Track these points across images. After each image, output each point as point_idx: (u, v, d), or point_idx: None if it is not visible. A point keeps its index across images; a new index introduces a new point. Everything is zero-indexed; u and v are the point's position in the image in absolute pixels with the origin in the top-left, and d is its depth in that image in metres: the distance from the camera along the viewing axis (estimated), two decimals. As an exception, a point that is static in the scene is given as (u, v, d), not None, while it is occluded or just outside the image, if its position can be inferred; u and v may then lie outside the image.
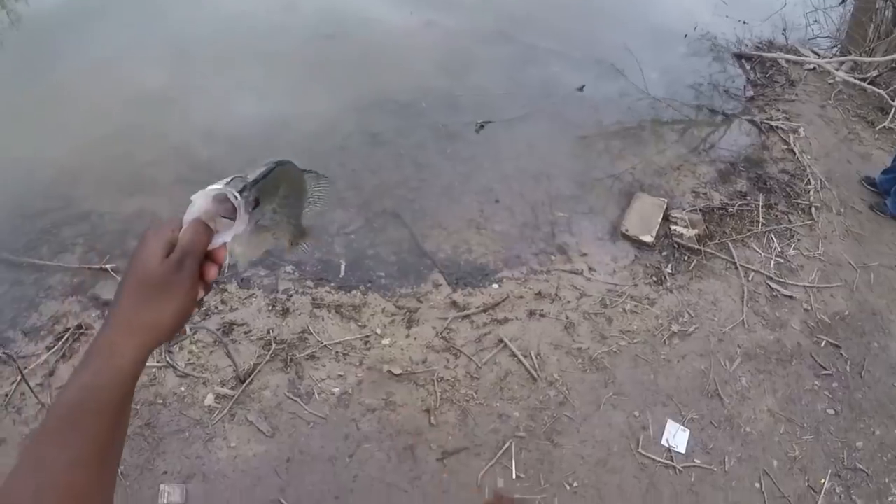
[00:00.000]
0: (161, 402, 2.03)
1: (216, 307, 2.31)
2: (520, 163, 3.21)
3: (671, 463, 2.18)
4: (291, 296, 2.39)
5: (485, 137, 3.38)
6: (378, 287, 2.51)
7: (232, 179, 0.46)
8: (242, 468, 1.92)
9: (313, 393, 2.13)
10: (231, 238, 0.46)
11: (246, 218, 0.47)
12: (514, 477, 2.11)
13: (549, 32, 4.32)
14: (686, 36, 4.45)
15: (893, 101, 3.69)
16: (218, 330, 2.23)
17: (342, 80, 3.58)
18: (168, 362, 2.12)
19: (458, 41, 4.10)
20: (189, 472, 1.87)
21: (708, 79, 4.09)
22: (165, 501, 1.81)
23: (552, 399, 2.29)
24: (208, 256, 0.46)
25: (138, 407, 2.00)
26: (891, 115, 3.71)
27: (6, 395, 2.00)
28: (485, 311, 2.46)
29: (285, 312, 2.33)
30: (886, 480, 2.34)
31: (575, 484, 2.13)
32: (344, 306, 2.38)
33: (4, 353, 2.08)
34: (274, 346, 2.20)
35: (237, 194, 0.45)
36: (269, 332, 2.25)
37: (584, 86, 3.78)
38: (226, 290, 2.36)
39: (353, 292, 2.46)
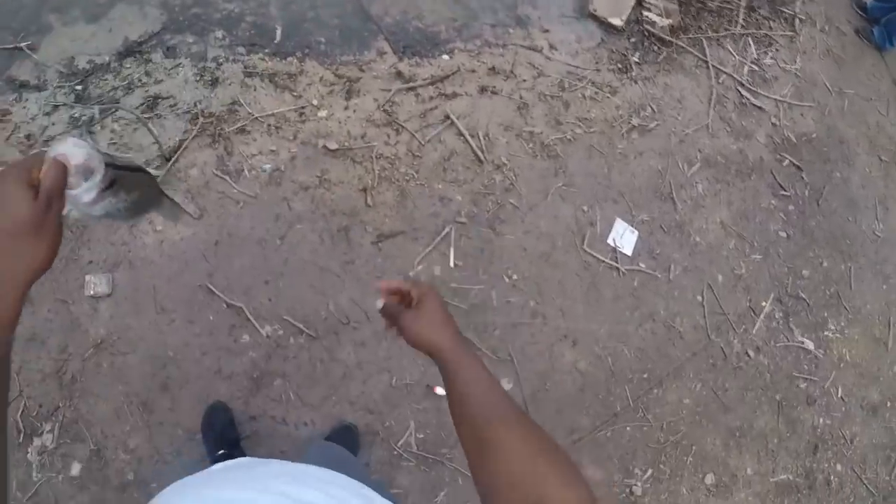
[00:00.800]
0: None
1: (139, 80, 2.60)
2: None
3: (615, 264, 2.85)
4: (221, 64, 2.70)
5: None
6: (317, 54, 2.81)
7: (94, 149, 0.66)
8: (169, 253, 2.30)
9: (243, 170, 2.50)
10: (74, 197, 0.65)
11: (95, 190, 0.66)
12: (451, 265, 2.61)
13: None
14: None
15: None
16: (141, 105, 2.52)
17: None
18: (88, 143, 2.26)
19: None
20: (115, 260, 2.26)
21: None
22: (91, 292, 2.19)
23: (498, 184, 2.81)
24: None
25: None
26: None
27: None
28: (432, 83, 2.86)
29: (214, 82, 2.65)
30: (825, 314, 3.29)
31: (515, 277, 2.70)
32: (278, 75, 2.71)
33: None
34: (202, 119, 2.54)
35: (101, 161, 0.65)
36: (196, 104, 2.58)
37: None
38: (150, 61, 2.65)
39: (289, 59, 2.78)
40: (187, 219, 2.39)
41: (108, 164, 0.67)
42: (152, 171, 2.37)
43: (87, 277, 2.25)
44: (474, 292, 2.58)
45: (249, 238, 2.42)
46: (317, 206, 2.52)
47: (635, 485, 2.59)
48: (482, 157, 2.74)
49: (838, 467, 2.97)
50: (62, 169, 0.61)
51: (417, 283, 0.92)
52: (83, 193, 0.65)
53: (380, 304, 0.92)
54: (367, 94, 2.77)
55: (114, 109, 2.55)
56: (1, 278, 0.58)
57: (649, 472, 2.62)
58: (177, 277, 2.32)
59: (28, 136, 2.52)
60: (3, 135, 2.49)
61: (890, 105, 3.89)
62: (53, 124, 2.52)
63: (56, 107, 2.57)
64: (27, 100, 2.61)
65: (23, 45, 2.73)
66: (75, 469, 2.07)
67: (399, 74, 2.83)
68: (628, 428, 2.63)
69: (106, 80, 2.67)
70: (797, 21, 3.74)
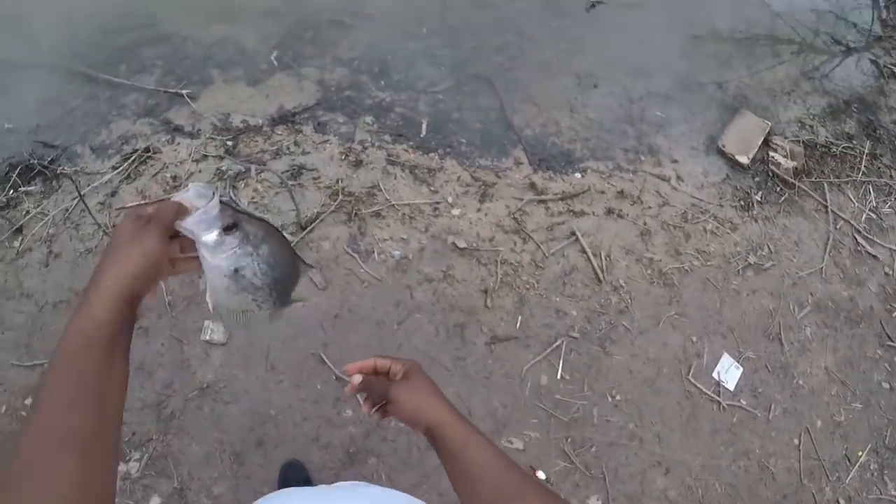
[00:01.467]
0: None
1: (288, 147, 2.88)
2: (625, 51, 3.83)
3: (717, 398, 2.94)
4: (367, 148, 2.99)
5: (594, 18, 4.00)
6: (457, 154, 3.10)
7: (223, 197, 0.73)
8: (288, 316, 2.41)
9: (373, 252, 2.72)
10: (193, 227, 0.72)
11: (214, 229, 0.72)
12: (558, 377, 2.77)
13: None
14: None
15: None
16: (286, 172, 2.78)
17: None
18: (231, 197, 2.55)
19: None
20: None
21: (837, 8, 4.90)
22: (207, 338, 2.36)
23: (613, 305, 2.96)
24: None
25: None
26: None
27: (66, 210, 2.61)
28: (563, 199, 3.07)
29: (358, 164, 2.92)
30: None
31: (618, 397, 2.83)
32: (419, 168, 2.98)
33: (63, 170, 2.69)
34: (341, 196, 2.79)
35: (217, 194, 0.71)
36: (338, 181, 2.84)
37: None
38: (300, 132, 2.94)
39: (431, 155, 3.07)
40: (312, 287, 2.57)
41: (226, 202, 0.74)
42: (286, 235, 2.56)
43: (206, 322, 2.43)
44: (576, 406, 2.71)
45: (369, 318, 2.58)
46: (437, 299, 2.70)
47: None
48: (601, 277, 2.89)
49: None
50: (171, 205, 0.72)
51: (398, 358, 0.91)
52: (201, 224, 0.71)
53: (357, 378, 0.88)
54: (500, 200, 2.98)
55: (261, 170, 2.76)
56: (102, 276, 0.68)
57: None
58: (292, 341, 2.49)
59: (174, 178, 2.75)
60: (151, 171, 2.74)
61: None
62: (200, 171, 2.77)
63: (205, 156, 2.82)
64: (179, 144, 2.84)
65: (184, 91, 3.00)
66: (154, 502, 2.20)
67: (532, 186, 3.03)
68: None
69: (256, 141, 2.91)
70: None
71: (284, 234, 0.83)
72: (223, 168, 2.81)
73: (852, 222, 3.52)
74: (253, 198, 2.72)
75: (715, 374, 2.96)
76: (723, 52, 4.06)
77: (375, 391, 0.88)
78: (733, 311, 3.08)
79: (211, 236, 0.74)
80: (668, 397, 2.86)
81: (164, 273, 0.75)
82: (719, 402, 2.89)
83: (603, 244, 3.00)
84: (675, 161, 3.34)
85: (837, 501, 3.00)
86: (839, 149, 3.68)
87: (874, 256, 3.48)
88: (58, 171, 2.79)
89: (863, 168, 3.68)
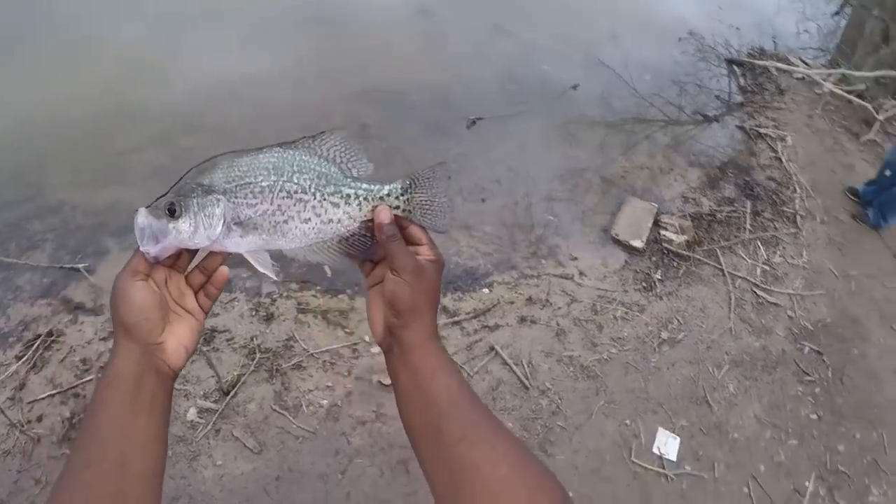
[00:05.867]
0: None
1: None
2: (511, 162, 4.27)
3: (663, 470, 3.14)
4: (276, 300, 3.11)
5: (476, 134, 4.46)
6: (364, 291, 3.32)
7: (147, 218, 0.74)
8: (230, 487, 2.41)
9: (301, 405, 2.79)
10: (150, 248, 0.73)
11: (166, 228, 0.74)
12: None
13: (545, 28, 5.53)
14: (680, 39, 5.85)
15: (878, 114, 5.17)
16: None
17: (331, 68, 4.63)
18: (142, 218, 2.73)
19: (452, 32, 5.21)
20: (174, 493, 2.34)
21: (698, 81, 5.44)
22: None
23: (544, 408, 3.18)
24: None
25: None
26: (874, 129, 5.21)
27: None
28: (475, 316, 3.36)
29: (269, 318, 3.02)
30: (867, 481, 3.48)
31: (571, 494, 3.00)
32: (330, 311, 3.14)
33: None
34: (258, 354, 2.85)
35: (137, 213, 0.74)
36: (252, 339, 2.90)
37: (577, 84, 4.93)
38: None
39: (340, 296, 3.25)
40: (247, 453, 2.50)
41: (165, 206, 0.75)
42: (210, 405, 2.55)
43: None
44: None
45: (310, 473, 2.55)
46: (375, 440, 2.78)
47: None
48: (527, 384, 3.13)
49: None
50: (134, 258, 0.75)
51: (435, 246, 0.82)
52: (150, 239, 0.73)
53: (387, 215, 0.80)
54: None
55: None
56: (118, 331, 0.73)
57: None
58: (239, 514, 2.59)
59: (83, 361, 2.63)
60: (58, 356, 2.60)
61: (893, 277, 4.16)
62: (110, 350, 2.79)
63: (113, 332, 2.90)
64: (83, 323, 2.71)
65: (80, 266, 2.81)
66: None
67: (444, 309, 3.33)
68: None
69: None
70: (798, 218, 4.21)
71: (225, 152, 0.80)
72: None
73: (749, 278, 3.85)
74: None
75: (655, 450, 3.17)
76: (605, 146, 4.47)
77: (392, 242, 0.78)
78: (658, 387, 3.32)
79: (174, 233, 0.74)
80: (617, 483, 3.05)
81: (165, 310, 0.76)
82: (666, 475, 3.12)
83: (522, 352, 3.25)
84: (575, 258, 3.66)
85: None
86: (723, 214, 4.06)
87: (775, 304, 3.79)
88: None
89: (748, 227, 4.06)
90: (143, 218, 0.73)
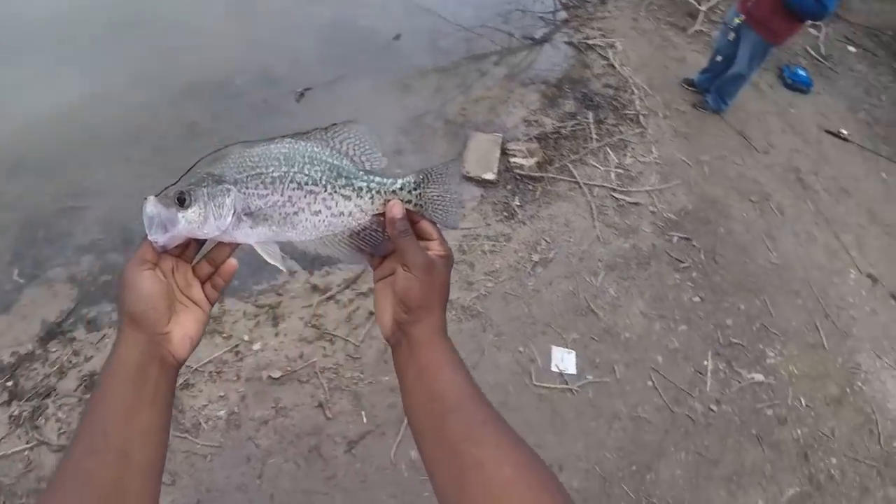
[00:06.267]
0: (44, 485, 2.72)
1: (69, 361, 3.06)
2: None
3: (566, 386, 3.60)
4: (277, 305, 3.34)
5: (307, 107, 4.74)
6: (233, 291, 3.54)
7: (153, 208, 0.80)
8: None
9: (199, 423, 2.97)
10: (158, 236, 0.80)
11: (175, 217, 0.80)
12: None
13: None
14: None
15: (700, 5, 6.04)
16: (79, 387, 2.97)
17: (147, 74, 4.68)
18: (38, 439, 2.81)
19: (263, 6, 5.49)
20: None
21: (520, 6, 6.06)
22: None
23: (435, 357, 3.55)
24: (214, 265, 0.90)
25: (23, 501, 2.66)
26: (699, 20, 6.08)
27: None
28: (347, 286, 3.65)
29: (276, 321, 3.26)
30: (760, 346, 4.14)
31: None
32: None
33: None
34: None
35: (147, 200, 0.79)
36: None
37: (399, 34, 5.36)
38: (74, 339, 3.14)
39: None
40: (162, 488, 2.78)
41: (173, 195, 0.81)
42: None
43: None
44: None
45: (228, 487, 2.78)
46: (281, 435, 3.03)
47: None
48: None
49: (833, 460, 3.76)
50: (142, 247, 0.81)
51: (445, 241, 0.89)
52: (159, 227, 0.79)
53: (400, 210, 0.86)
54: (292, 315, 3.51)
55: (56, 398, 2.92)
56: (123, 320, 0.80)
57: None
58: (167, 551, 2.72)
59: None
60: None
61: (742, 154, 4.94)
62: (115, 340, 2.89)
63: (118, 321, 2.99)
64: None
65: None
66: None
67: (315, 287, 3.59)
68: None
69: (35, 369, 3.00)
70: (641, 118, 4.87)
71: (235, 143, 0.88)
72: (15, 413, 2.88)
73: (605, 185, 4.44)
74: (60, 429, 2.89)
75: (554, 368, 3.61)
76: (439, 88, 4.93)
77: (404, 237, 0.85)
78: (542, 308, 3.78)
79: (183, 223, 0.80)
80: (525, 409, 3.45)
81: (171, 300, 0.83)
82: (570, 389, 3.55)
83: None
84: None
85: (710, 409, 3.74)
86: (568, 129, 4.63)
87: (636, 203, 4.40)
88: None
89: (594, 136, 4.66)
90: (151, 206, 0.78)
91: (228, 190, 0.83)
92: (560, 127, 4.73)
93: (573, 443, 3.37)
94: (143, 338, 0.79)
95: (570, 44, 5.61)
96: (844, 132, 6.31)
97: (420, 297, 0.81)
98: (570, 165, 4.51)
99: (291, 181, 0.85)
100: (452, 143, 4.62)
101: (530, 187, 4.35)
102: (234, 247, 0.90)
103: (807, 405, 3.95)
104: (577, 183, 4.44)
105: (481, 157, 4.38)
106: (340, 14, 5.68)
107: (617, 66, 5.43)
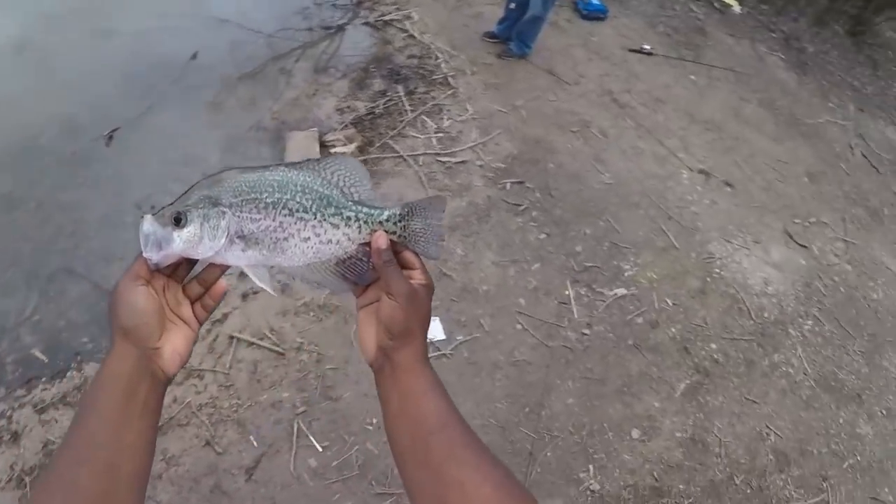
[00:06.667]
0: None
1: None
2: (166, 156, 4.39)
3: (441, 352, 3.64)
4: (10, 415, 3.09)
5: (118, 148, 4.53)
6: (90, 354, 3.37)
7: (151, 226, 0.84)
8: None
9: None
10: (153, 254, 0.83)
11: (170, 235, 0.83)
12: (320, 450, 3.21)
13: (146, 10, 5.68)
14: None
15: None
16: None
17: None
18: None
19: (58, 55, 5.16)
20: None
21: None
22: None
23: (308, 361, 3.48)
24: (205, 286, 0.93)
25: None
26: (486, -29, 6.26)
27: None
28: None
29: (16, 436, 3.01)
30: (616, 262, 4.34)
31: (375, 421, 3.35)
32: (68, 394, 3.18)
33: None
34: (27, 479, 2.87)
35: (144, 219, 0.83)
36: (11, 467, 2.90)
37: (196, 52, 5.19)
38: None
39: (69, 374, 3.27)
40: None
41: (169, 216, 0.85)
42: None
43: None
44: (354, 455, 3.17)
45: None
46: (179, 485, 2.95)
47: (591, 483, 3.30)
48: (281, 350, 3.42)
49: (713, 346, 4.04)
50: (136, 263, 0.85)
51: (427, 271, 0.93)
52: (154, 246, 0.83)
53: (385, 241, 0.90)
54: None
55: None
56: (115, 334, 0.83)
57: (590, 467, 3.36)
58: None
59: None
60: None
61: (555, 90, 5.15)
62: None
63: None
64: None
65: None
66: None
67: None
68: (549, 454, 3.36)
69: None
70: (450, 79, 4.97)
71: (231, 168, 1.00)
72: None
73: (428, 151, 4.50)
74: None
75: (421, 339, 3.59)
76: (247, 98, 4.83)
77: (388, 267, 0.88)
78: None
79: (178, 242, 0.84)
80: None
81: (162, 317, 0.85)
82: (444, 354, 3.58)
83: (261, 324, 3.54)
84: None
85: (583, 333, 3.88)
86: (381, 107, 4.67)
87: (462, 161, 4.51)
88: None
89: (408, 108, 4.71)
90: (148, 225, 0.82)
91: (223, 212, 0.86)
92: (373, 107, 4.76)
93: (463, 404, 3.42)
94: (134, 351, 0.81)
95: (367, 24, 5.64)
96: (647, 47, 6.71)
97: (404, 324, 0.85)
98: (390, 142, 4.54)
99: (284, 207, 0.88)
100: (273, 149, 4.55)
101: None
102: (224, 268, 0.92)
103: (673, 304, 4.20)
104: (401, 157, 4.48)
105: (303, 155, 4.33)
106: (134, 44, 5.45)
107: (417, 35, 5.52)
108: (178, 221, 0.84)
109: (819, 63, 8.35)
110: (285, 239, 0.89)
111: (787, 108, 7.19)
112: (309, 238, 0.90)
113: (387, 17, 5.64)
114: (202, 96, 4.96)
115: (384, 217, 0.92)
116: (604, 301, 4.08)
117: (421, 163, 4.49)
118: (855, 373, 4.51)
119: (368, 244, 0.91)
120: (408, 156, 4.48)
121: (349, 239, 0.91)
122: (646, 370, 3.84)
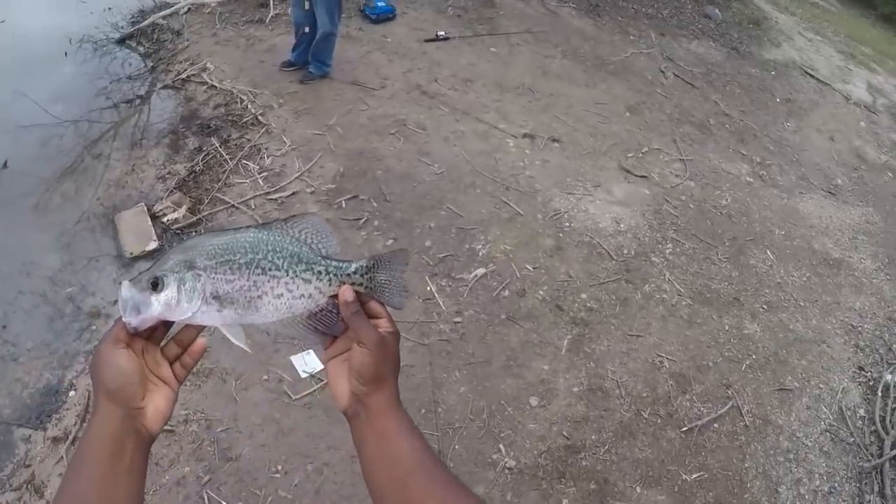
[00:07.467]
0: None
1: None
2: (2, 271, 4.22)
3: (323, 381, 3.71)
4: None
5: None
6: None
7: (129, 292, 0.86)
8: None
9: None
10: (132, 318, 0.86)
11: (148, 300, 0.86)
12: None
13: None
14: (66, 54, 6.22)
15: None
16: None
17: None
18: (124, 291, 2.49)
19: None
20: None
21: (111, 76, 5.93)
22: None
23: (198, 430, 3.37)
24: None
25: None
26: (271, 6, 6.42)
27: None
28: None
29: None
30: (467, 246, 4.60)
31: (279, 468, 3.39)
32: None
33: None
34: None
35: (121, 285, 0.86)
36: None
37: (6, 161, 5.00)
38: None
39: None
40: None
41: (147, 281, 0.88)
42: None
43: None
44: None
45: None
46: None
47: (506, 461, 3.49)
48: (168, 427, 3.36)
49: (583, 296, 4.37)
50: (115, 327, 0.88)
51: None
52: (132, 310, 0.86)
53: (350, 294, 0.94)
54: (51, 477, 3.30)
55: None
56: (99, 396, 0.86)
57: (501, 447, 3.55)
58: None
59: None
60: None
61: (365, 99, 5.38)
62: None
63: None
64: None
65: None
66: None
67: (56, 439, 3.42)
68: (457, 446, 3.51)
69: None
70: (259, 118, 5.09)
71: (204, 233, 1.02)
72: None
73: (257, 193, 4.67)
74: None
75: (303, 374, 3.76)
76: (67, 193, 4.75)
77: (359, 318, 0.93)
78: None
79: (155, 305, 0.87)
80: (301, 425, 3.50)
81: (144, 378, 0.88)
82: (326, 382, 3.66)
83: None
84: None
85: (455, 322, 4.10)
86: (201, 164, 4.71)
87: (292, 193, 4.73)
88: None
89: (226, 157, 4.78)
90: (126, 290, 0.85)
91: (199, 275, 0.89)
92: (192, 166, 4.81)
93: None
94: (119, 412, 0.84)
95: (167, 87, 5.65)
96: (442, 33, 7.07)
97: (375, 370, 0.89)
98: (218, 195, 4.62)
99: (257, 266, 0.92)
100: (105, 235, 4.50)
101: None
102: (200, 328, 0.95)
103: (534, 268, 4.53)
104: (233, 206, 4.57)
105: (137, 232, 4.34)
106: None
107: (217, 84, 5.58)
108: (156, 286, 0.87)
109: (610, 2, 9.05)
110: (259, 297, 0.93)
111: (591, 52, 7.78)
112: (282, 294, 0.94)
113: (184, 75, 5.67)
114: (25, 203, 4.80)
115: (352, 269, 0.97)
116: (466, 285, 4.34)
117: (253, 206, 4.60)
118: (726, 279, 5.05)
119: (336, 296, 0.97)
120: (239, 203, 4.57)
121: (321, 292, 0.96)
122: (526, 338, 4.11)
